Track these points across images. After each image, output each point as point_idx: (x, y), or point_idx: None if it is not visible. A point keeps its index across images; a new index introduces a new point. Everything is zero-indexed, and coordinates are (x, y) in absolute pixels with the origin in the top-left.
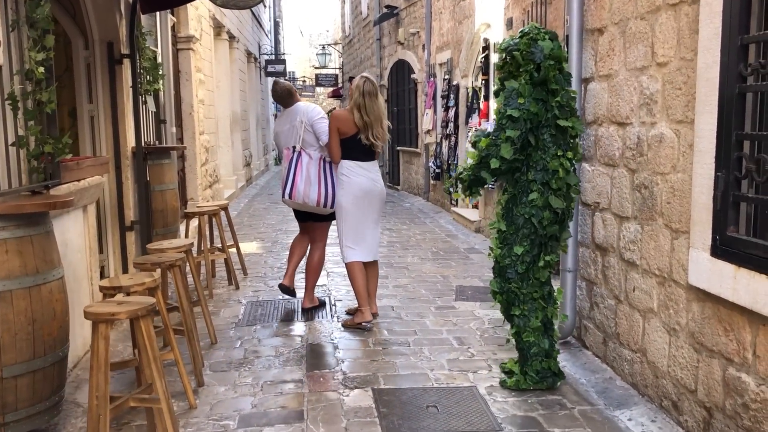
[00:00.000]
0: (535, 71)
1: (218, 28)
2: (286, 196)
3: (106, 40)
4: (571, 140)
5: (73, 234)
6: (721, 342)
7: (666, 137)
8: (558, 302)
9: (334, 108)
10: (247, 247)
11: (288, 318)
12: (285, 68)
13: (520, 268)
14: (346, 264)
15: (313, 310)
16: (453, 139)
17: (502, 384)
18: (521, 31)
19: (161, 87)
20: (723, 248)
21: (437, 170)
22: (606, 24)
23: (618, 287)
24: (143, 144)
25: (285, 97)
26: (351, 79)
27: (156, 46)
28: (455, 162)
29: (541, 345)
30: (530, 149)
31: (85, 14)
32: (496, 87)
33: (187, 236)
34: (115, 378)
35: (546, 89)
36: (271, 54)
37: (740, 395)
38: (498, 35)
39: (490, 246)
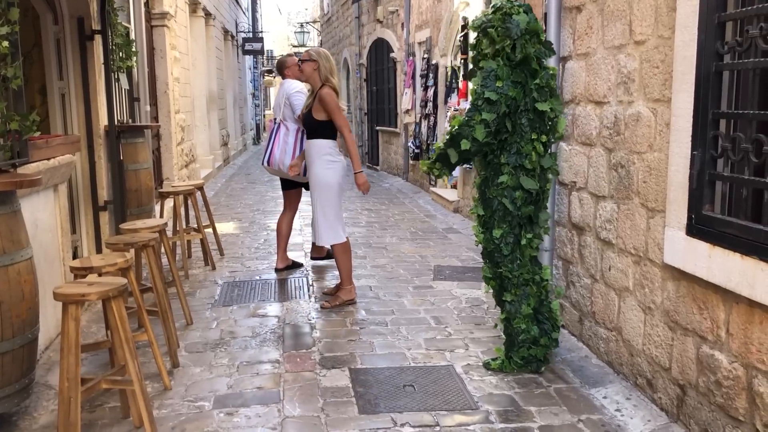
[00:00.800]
0: (511, 49)
1: (194, 4)
2: (265, 163)
3: (76, 15)
4: (549, 122)
5: (44, 214)
6: (695, 320)
7: (643, 116)
8: (547, 279)
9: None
10: (224, 227)
11: (265, 298)
12: (263, 46)
13: (505, 250)
14: (337, 245)
15: (287, 269)
16: (432, 118)
17: (486, 366)
18: (493, 6)
19: (134, 64)
20: (698, 227)
21: (416, 150)
22: (584, 2)
23: (594, 266)
24: (116, 122)
25: (279, 70)
26: (302, 61)
27: (129, 22)
28: (434, 141)
29: (531, 332)
30: (506, 134)
31: None
32: (471, 67)
33: (162, 216)
34: (89, 359)
35: (525, 70)
36: (249, 32)
37: (713, 373)
38: (477, 13)
39: (474, 232)
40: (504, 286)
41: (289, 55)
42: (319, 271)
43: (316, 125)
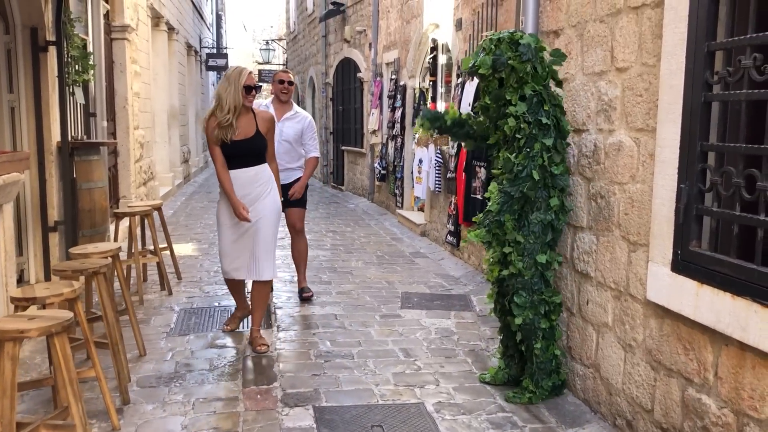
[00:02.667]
0: (534, 71)
1: (156, 18)
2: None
3: (29, 25)
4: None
5: None
6: (680, 361)
7: (625, 146)
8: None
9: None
10: (182, 249)
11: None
12: (227, 62)
13: (548, 275)
14: (269, 280)
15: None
16: (399, 140)
17: (508, 399)
18: (494, 40)
19: (91, 78)
20: (685, 263)
21: (382, 171)
22: (563, 26)
23: (570, 299)
24: (70, 138)
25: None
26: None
27: (86, 34)
28: (401, 163)
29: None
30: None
31: None
32: (488, 107)
33: (116, 238)
34: (30, 396)
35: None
36: (213, 48)
37: (700, 417)
38: (447, 36)
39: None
40: (544, 313)
41: (284, 71)
42: (282, 297)
43: (264, 149)
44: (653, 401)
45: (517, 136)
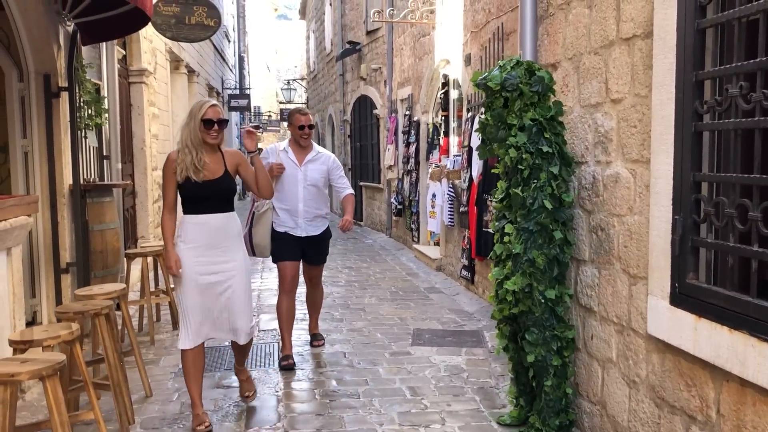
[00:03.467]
0: (538, 101)
1: (176, 61)
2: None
3: (42, 72)
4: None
5: None
6: (683, 397)
7: (622, 177)
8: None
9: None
10: None
11: (232, 367)
12: (249, 103)
13: (559, 310)
14: (251, 340)
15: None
16: (414, 174)
17: None
18: (512, 61)
19: (104, 121)
20: (683, 296)
21: (399, 206)
22: (560, 59)
23: (576, 334)
24: (82, 181)
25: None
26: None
27: (100, 79)
28: (416, 198)
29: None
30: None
31: (19, 45)
32: (486, 124)
33: (128, 279)
34: None
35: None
36: (236, 89)
37: None
38: (457, 71)
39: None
40: (556, 350)
41: (303, 114)
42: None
43: (233, 194)
44: None
45: (520, 167)
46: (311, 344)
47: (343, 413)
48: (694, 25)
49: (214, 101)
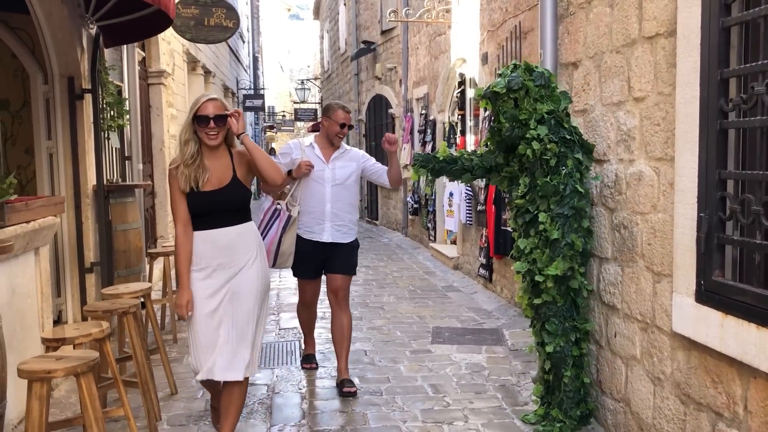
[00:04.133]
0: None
1: (193, 62)
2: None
3: (66, 74)
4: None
5: (22, 279)
6: (709, 394)
7: (645, 175)
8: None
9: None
10: None
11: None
12: (263, 103)
13: (579, 302)
14: (243, 380)
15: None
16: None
17: None
18: (510, 66)
19: (126, 123)
20: (708, 294)
21: (415, 205)
22: (581, 58)
23: (599, 332)
24: (105, 182)
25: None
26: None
27: (122, 81)
28: (433, 197)
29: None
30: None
31: (44, 48)
32: (501, 128)
33: (151, 278)
34: None
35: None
36: (250, 89)
37: None
38: (473, 70)
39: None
40: (575, 341)
41: (345, 111)
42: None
43: (248, 200)
44: None
45: (545, 157)
46: (341, 392)
47: (366, 410)
48: (719, 24)
49: (213, 95)
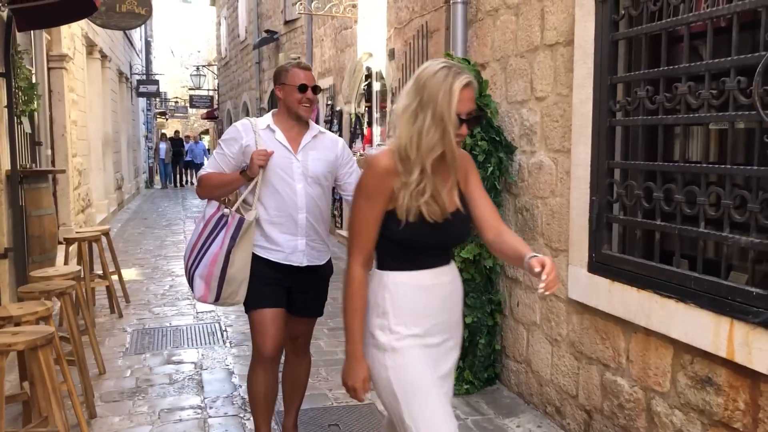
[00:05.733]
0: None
1: (90, 46)
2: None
3: None
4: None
5: None
6: (598, 350)
7: (545, 165)
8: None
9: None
10: (126, 273)
11: (178, 345)
12: (158, 88)
13: (493, 277)
14: None
15: None
16: None
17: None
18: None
19: (37, 108)
20: (599, 264)
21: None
22: (488, 60)
23: (504, 303)
24: (19, 167)
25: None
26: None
27: (31, 65)
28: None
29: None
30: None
31: None
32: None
33: (66, 263)
34: None
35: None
36: (143, 74)
37: (616, 397)
38: (380, 64)
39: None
40: (490, 312)
41: (305, 68)
42: (231, 316)
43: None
44: (577, 387)
45: (474, 152)
46: None
47: None
48: (609, 37)
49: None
